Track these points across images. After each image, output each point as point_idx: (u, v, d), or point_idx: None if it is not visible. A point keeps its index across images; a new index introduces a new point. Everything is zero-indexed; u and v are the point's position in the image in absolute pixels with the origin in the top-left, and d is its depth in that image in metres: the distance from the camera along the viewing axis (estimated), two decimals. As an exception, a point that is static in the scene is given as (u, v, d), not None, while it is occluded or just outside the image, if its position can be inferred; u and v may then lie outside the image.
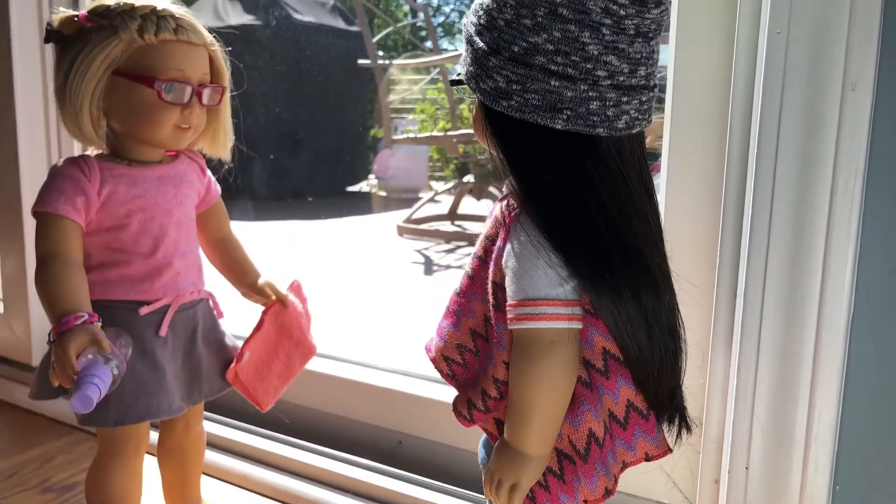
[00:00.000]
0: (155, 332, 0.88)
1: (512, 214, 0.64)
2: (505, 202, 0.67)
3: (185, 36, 0.85)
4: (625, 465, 0.67)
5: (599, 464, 0.65)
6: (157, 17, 0.83)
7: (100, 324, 0.78)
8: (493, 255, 0.66)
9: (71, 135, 0.89)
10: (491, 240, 0.68)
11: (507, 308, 0.63)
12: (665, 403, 0.67)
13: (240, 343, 0.98)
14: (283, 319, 0.99)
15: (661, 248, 0.66)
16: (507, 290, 0.63)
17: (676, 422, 0.70)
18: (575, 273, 0.61)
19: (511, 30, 0.59)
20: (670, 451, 0.68)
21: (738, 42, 0.83)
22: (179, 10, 0.86)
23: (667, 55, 0.94)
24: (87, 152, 0.91)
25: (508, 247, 0.63)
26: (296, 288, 1.03)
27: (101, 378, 0.72)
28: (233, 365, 0.95)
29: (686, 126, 0.91)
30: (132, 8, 0.83)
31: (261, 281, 1.00)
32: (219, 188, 1.01)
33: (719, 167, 0.87)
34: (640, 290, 0.62)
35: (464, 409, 0.71)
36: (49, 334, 0.77)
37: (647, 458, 0.67)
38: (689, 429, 0.70)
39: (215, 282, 1.01)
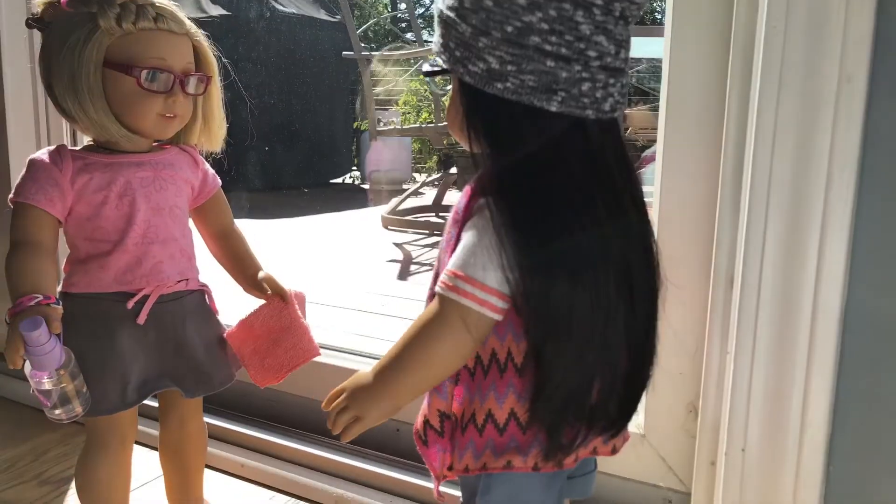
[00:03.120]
0: (133, 322, 0.88)
1: (477, 198, 0.64)
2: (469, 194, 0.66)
3: (165, 25, 0.85)
4: (484, 467, 0.67)
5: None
6: (136, 6, 0.83)
7: (58, 307, 0.78)
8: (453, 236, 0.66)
9: (84, 131, 0.89)
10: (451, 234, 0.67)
11: (444, 272, 0.63)
12: (567, 416, 0.63)
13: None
14: (281, 315, 0.97)
15: (644, 242, 0.65)
16: (452, 257, 0.63)
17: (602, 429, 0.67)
18: (533, 266, 0.59)
19: (502, 9, 0.58)
20: (536, 470, 0.66)
21: (735, 36, 0.84)
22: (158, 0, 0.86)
23: (661, 48, 0.95)
24: (86, 142, 0.92)
25: (473, 220, 0.63)
26: (300, 298, 1.02)
27: (50, 338, 0.73)
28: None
29: (682, 117, 0.92)
30: None
31: (261, 275, 0.98)
32: (218, 181, 1.00)
33: (715, 158, 0.89)
34: (600, 291, 0.61)
35: None
36: (6, 316, 0.77)
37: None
38: (616, 434, 0.69)
39: (218, 279, 1.01)
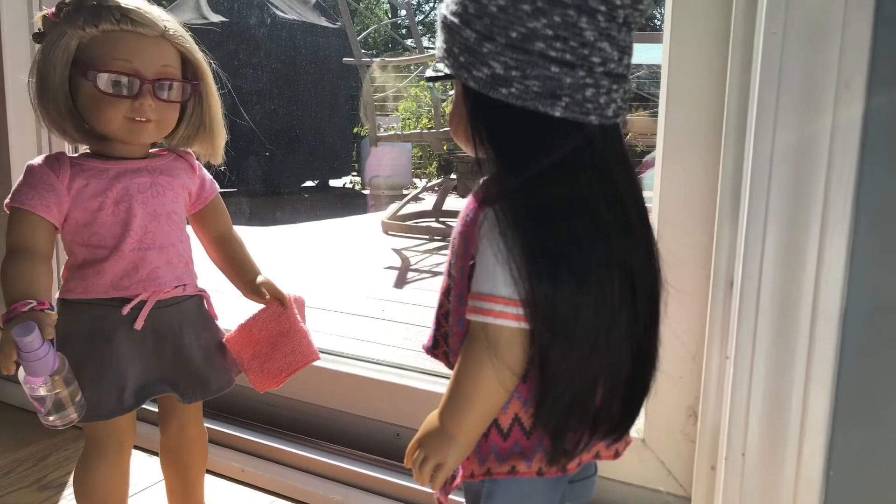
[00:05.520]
0: (131, 327, 0.88)
1: (483, 207, 0.63)
2: (475, 201, 0.66)
3: (129, 26, 0.84)
4: (489, 472, 0.67)
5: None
6: (101, 8, 0.83)
7: (52, 313, 0.78)
8: (463, 240, 0.66)
9: (70, 141, 0.90)
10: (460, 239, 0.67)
11: (468, 298, 0.63)
12: (571, 421, 0.63)
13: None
14: (280, 320, 0.98)
15: (645, 246, 0.65)
16: (473, 279, 0.63)
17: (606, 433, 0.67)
18: (538, 272, 0.59)
19: (507, 15, 0.58)
20: (540, 475, 0.66)
21: (734, 42, 0.85)
22: (130, 2, 0.85)
23: (659, 54, 0.96)
24: (83, 148, 0.92)
25: (481, 232, 0.62)
26: (299, 303, 1.02)
27: (43, 344, 0.73)
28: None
29: (681, 122, 0.93)
30: (80, 1, 0.83)
31: (259, 279, 0.98)
32: (216, 186, 1.00)
33: (715, 162, 0.89)
34: (605, 296, 0.61)
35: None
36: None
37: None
38: (619, 438, 0.69)
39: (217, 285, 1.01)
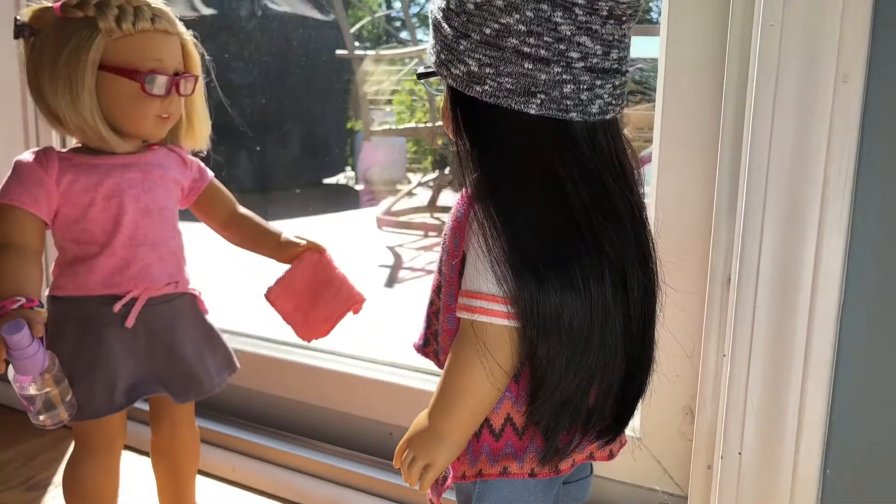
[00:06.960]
0: (122, 325, 0.87)
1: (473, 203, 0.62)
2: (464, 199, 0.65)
3: (161, 25, 0.85)
4: (480, 473, 0.67)
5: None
6: (133, 7, 0.83)
7: (42, 310, 0.77)
8: (454, 238, 0.66)
9: (74, 135, 0.88)
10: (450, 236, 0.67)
11: (459, 295, 0.63)
12: (563, 420, 0.63)
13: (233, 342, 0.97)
14: (320, 265, 0.97)
15: (639, 245, 0.64)
16: (463, 276, 0.63)
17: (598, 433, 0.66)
18: (520, 271, 0.58)
19: (482, 12, 0.58)
20: (533, 476, 0.66)
21: (732, 34, 0.84)
22: (150, 0, 0.85)
23: (657, 47, 0.95)
24: (74, 143, 0.90)
25: (471, 229, 0.62)
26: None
27: (33, 342, 0.72)
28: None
29: (678, 117, 0.92)
30: None
31: (285, 237, 0.98)
32: (209, 173, 0.99)
33: (712, 158, 0.88)
34: (594, 295, 0.59)
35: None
36: None
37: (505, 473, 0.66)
38: (613, 438, 0.69)
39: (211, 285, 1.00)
